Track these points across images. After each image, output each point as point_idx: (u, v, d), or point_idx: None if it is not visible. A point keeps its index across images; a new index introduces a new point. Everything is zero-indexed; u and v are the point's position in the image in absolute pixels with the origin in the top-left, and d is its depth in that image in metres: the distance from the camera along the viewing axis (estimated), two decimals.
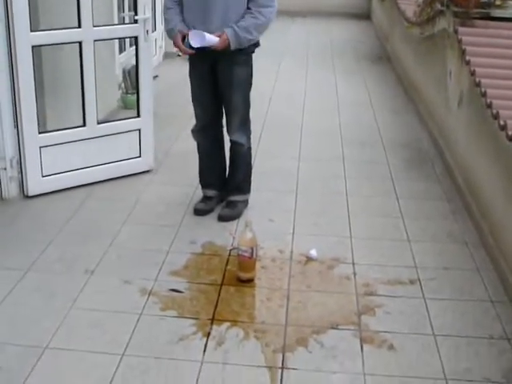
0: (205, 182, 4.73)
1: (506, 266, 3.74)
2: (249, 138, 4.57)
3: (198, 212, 4.60)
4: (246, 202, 4.67)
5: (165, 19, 4.43)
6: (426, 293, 3.67)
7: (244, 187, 4.66)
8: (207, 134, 4.60)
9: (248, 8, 4.11)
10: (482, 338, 3.27)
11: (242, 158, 4.59)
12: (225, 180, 4.75)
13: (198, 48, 4.05)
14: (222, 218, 4.53)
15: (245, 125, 4.51)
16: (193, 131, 4.64)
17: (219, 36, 4.01)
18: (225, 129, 4.59)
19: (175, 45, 4.34)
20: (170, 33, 4.34)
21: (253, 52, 4.34)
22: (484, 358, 3.14)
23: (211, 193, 4.69)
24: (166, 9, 4.32)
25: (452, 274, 3.87)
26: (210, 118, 4.54)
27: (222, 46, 4.04)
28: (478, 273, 3.88)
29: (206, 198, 4.69)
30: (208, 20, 4.10)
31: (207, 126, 4.55)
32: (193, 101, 4.52)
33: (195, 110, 4.54)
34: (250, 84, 4.42)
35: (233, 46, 4.07)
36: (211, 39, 4.00)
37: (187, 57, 4.43)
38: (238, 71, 4.29)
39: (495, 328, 3.36)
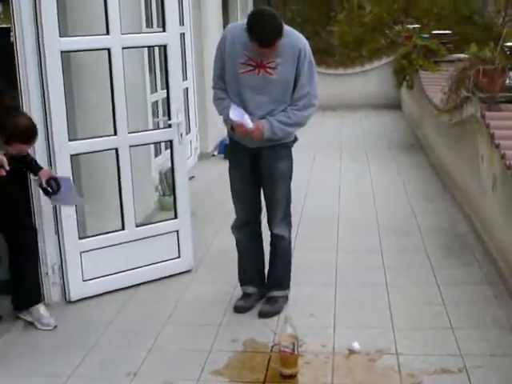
0: (244, 278, 4.70)
1: None
2: (290, 232, 4.57)
3: (238, 310, 4.56)
4: (286, 298, 4.62)
5: (219, 110, 4.39)
6: (474, 381, 3.56)
7: (284, 283, 4.63)
8: (247, 230, 4.60)
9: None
10: None
11: (284, 252, 4.57)
12: (264, 277, 4.72)
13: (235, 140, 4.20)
14: (262, 315, 4.48)
15: (287, 218, 4.52)
16: (232, 227, 4.64)
17: (258, 127, 4.08)
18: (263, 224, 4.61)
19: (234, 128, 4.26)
20: (227, 122, 4.31)
21: (292, 146, 4.41)
22: None
23: (251, 290, 4.66)
24: (218, 99, 4.35)
25: (499, 361, 3.77)
26: (251, 213, 4.55)
27: (256, 133, 4.09)
28: None
29: (245, 295, 4.65)
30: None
31: (247, 221, 4.57)
32: (233, 197, 4.54)
33: (235, 205, 4.56)
34: (291, 177, 4.45)
35: (266, 135, 4.12)
36: (248, 120, 4.05)
37: (223, 155, 4.51)
38: (280, 165, 4.34)
39: None
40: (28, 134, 4.05)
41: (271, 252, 4.61)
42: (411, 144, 10.33)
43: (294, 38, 4.16)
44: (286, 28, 4.11)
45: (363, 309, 4.53)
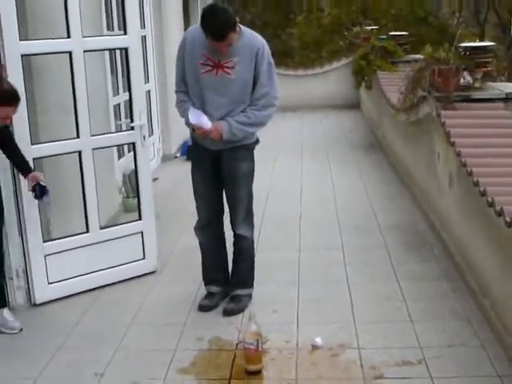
0: (208, 278, 4.73)
1: (510, 341, 3.73)
2: (252, 232, 4.62)
3: (203, 308, 4.59)
4: (249, 296, 4.66)
5: (180, 112, 4.43)
6: (433, 372, 3.64)
7: (248, 281, 4.66)
8: (210, 231, 4.63)
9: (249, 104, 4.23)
10: None
11: (247, 251, 4.61)
12: (228, 275, 4.76)
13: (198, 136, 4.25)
14: (227, 313, 4.52)
15: (249, 218, 4.56)
16: (195, 228, 4.67)
17: (216, 128, 4.12)
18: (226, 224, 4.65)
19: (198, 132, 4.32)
20: (188, 125, 4.36)
21: (254, 148, 4.46)
22: None
23: (215, 289, 4.69)
24: (180, 102, 4.41)
25: (457, 352, 3.85)
26: (213, 214, 4.58)
27: (214, 133, 4.14)
28: (483, 349, 3.87)
29: (210, 295, 4.68)
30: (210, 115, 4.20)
31: (210, 222, 4.59)
32: (195, 198, 4.57)
33: (198, 207, 4.59)
34: (253, 178, 4.50)
35: (225, 136, 4.16)
36: (207, 122, 4.10)
37: (186, 157, 4.53)
38: (241, 166, 4.38)
39: None
40: (11, 95, 3.99)
41: (234, 252, 4.65)
42: (370, 144, 10.43)
43: (251, 38, 4.23)
44: (244, 29, 4.21)
45: (325, 305, 4.59)
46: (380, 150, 9.83)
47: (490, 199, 3.85)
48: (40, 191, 4.23)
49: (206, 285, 4.74)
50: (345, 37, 13.75)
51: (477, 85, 5.51)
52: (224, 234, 4.72)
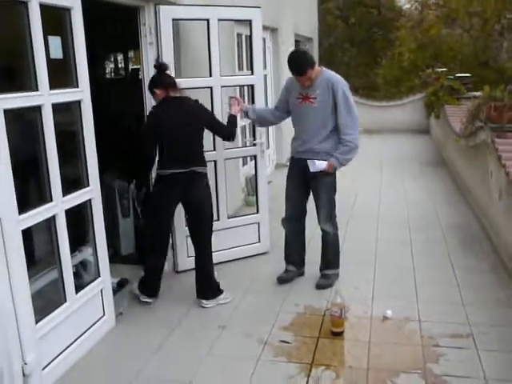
0: (288, 259, 4.73)
1: None
2: (335, 228, 4.55)
3: (281, 280, 4.61)
4: (337, 275, 4.64)
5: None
6: (478, 344, 3.53)
7: (334, 263, 4.64)
8: (292, 224, 4.63)
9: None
10: None
11: (331, 242, 4.57)
12: (302, 259, 4.75)
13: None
14: (318, 287, 4.51)
15: (331, 217, 4.50)
16: (282, 220, 4.69)
17: (329, 165, 4.23)
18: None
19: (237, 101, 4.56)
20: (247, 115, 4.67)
21: None
22: None
23: (291, 268, 4.70)
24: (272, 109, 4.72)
25: (499, 331, 3.71)
26: (296, 212, 4.57)
27: (329, 168, 4.25)
28: None
29: (287, 271, 4.69)
30: (300, 145, 4.36)
31: (293, 218, 4.60)
32: (285, 198, 4.60)
33: (286, 204, 4.60)
34: (335, 188, 4.45)
35: (337, 166, 4.27)
36: (322, 165, 4.21)
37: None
38: (326, 179, 4.37)
39: None
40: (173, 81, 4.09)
41: (322, 242, 4.61)
42: (437, 162, 10.13)
43: (329, 75, 4.26)
44: (325, 69, 4.29)
45: (395, 286, 4.52)
46: (444, 167, 9.54)
47: None
48: None
49: (286, 263, 4.74)
50: (420, 76, 13.40)
51: None
52: (304, 228, 4.69)
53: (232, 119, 4.35)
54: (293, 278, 4.67)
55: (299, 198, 4.53)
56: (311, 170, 4.25)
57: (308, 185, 4.46)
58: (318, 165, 4.22)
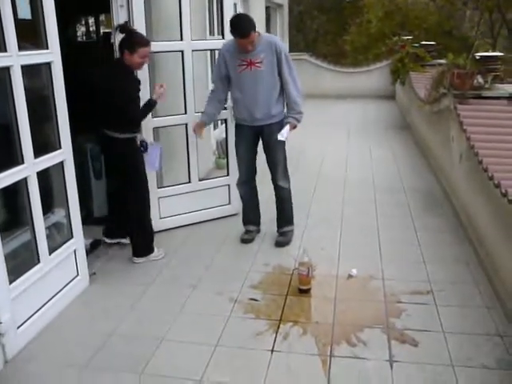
0: (246, 220, 4.75)
1: (497, 281, 3.65)
2: (289, 183, 4.55)
3: (244, 241, 4.64)
4: (292, 231, 4.67)
5: (207, 100, 4.49)
6: (438, 301, 3.61)
7: (290, 220, 4.66)
8: (247, 186, 4.61)
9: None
10: (481, 335, 3.20)
11: (287, 198, 4.57)
12: (259, 218, 4.79)
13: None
14: (278, 244, 4.55)
15: (286, 173, 4.50)
16: (237, 184, 4.66)
17: (291, 126, 4.21)
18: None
19: (194, 127, 4.51)
20: (201, 116, 4.52)
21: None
22: (482, 349, 3.07)
23: (251, 227, 4.73)
24: (212, 92, 4.47)
25: (457, 287, 3.79)
26: (250, 173, 4.56)
27: (292, 129, 4.23)
28: (476, 286, 3.80)
29: (248, 231, 4.71)
30: (253, 113, 4.26)
31: (248, 179, 4.58)
32: (237, 161, 4.55)
33: (240, 167, 4.55)
34: (285, 144, 4.40)
35: (297, 124, 4.25)
36: (287, 131, 4.19)
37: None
38: (277, 135, 4.27)
39: (490, 327, 3.28)
40: (146, 38, 4.02)
41: (277, 200, 4.61)
42: (401, 126, 10.18)
43: (269, 38, 4.25)
44: (264, 33, 4.27)
45: (360, 246, 4.56)
46: (408, 131, 9.59)
47: (490, 174, 3.74)
48: (145, 147, 4.25)
49: (244, 225, 4.75)
50: (386, 44, 13.34)
51: (487, 86, 5.29)
52: (256, 187, 4.68)
53: (150, 102, 4.12)
54: (254, 238, 4.69)
55: (252, 160, 4.51)
56: (283, 139, 4.19)
57: (256, 145, 4.45)
58: (285, 133, 4.19)
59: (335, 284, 3.89)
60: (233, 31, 4.00)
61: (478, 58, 5.63)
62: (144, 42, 3.95)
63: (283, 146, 4.40)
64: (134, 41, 3.90)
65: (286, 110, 4.32)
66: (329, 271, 4.08)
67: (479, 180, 4.20)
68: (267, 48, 4.10)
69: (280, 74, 4.16)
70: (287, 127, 4.20)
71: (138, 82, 4.02)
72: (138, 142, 4.18)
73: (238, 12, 4.36)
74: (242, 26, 3.99)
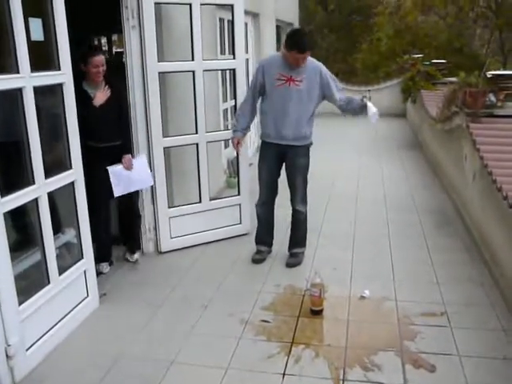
0: (260, 240, 4.71)
1: None
2: (307, 207, 4.52)
3: (255, 261, 4.59)
4: (303, 253, 4.63)
5: (235, 119, 4.54)
6: (453, 323, 3.54)
7: (302, 242, 4.62)
8: (266, 207, 4.58)
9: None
10: (498, 359, 3.12)
11: (302, 221, 4.54)
12: (272, 240, 4.74)
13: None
14: (288, 265, 4.51)
15: (305, 198, 4.48)
16: (256, 205, 4.63)
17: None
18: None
19: (233, 141, 4.49)
20: (233, 136, 4.49)
21: (309, 147, 4.40)
22: (500, 374, 2.99)
23: (263, 248, 4.69)
24: (245, 101, 4.46)
25: (472, 309, 3.72)
26: (271, 195, 4.53)
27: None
28: (492, 307, 3.72)
29: (259, 251, 4.68)
30: (281, 130, 4.25)
31: (268, 201, 4.55)
32: (259, 182, 4.52)
33: (261, 188, 4.52)
34: (308, 169, 4.42)
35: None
36: (374, 111, 4.22)
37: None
38: (301, 160, 4.34)
39: (508, 351, 3.20)
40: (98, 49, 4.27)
41: (293, 222, 4.58)
42: (413, 144, 10.14)
43: (313, 62, 4.24)
44: (312, 58, 4.21)
45: (373, 266, 4.51)
46: (420, 149, 9.55)
47: (504, 194, 3.69)
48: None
49: (257, 244, 4.72)
50: (397, 62, 13.38)
51: (499, 104, 5.27)
52: (274, 210, 4.64)
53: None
54: (266, 258, 4.65)
55: (274, 182, 4.48)
56: (374, 122, 4.26)
57: (280, 167, 4.43)
58: (375, 115, 4.23)
59: (348, 305, 3.83)
60: (294, 44, 4.02)
61: (489, 76, 5.62)
62: (93, 52, 4.15)
63: (306, 171, 4.39)
64: (85, 54, 4.10)
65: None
66: (341, 292, 4.02)
67: (493, 199, 4.15)
68: (311, 70, 4.16)
69: (329, 91, 4.21)
70: (369, 105, 4.20)
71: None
72: None
73: (297, 28, 4.45)
74: (307, 39, 4.09)
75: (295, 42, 4.02)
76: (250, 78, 4.48)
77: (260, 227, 4.71)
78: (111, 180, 4.25)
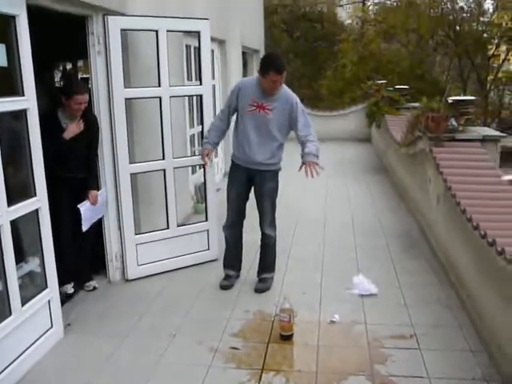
0: (228, 264, 4.67)
1: (480, 324, 3.62)
2: (275, 231, 4.51)
3: (223, 287, 4.55)
4: (272, 278, 4.60)
5: (206, 133, 4.50)
6: (422, 345, 3.56)
7: (272, 267, 4.60)
8: (233, 230, 4.55)
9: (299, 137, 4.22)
10: (467, 380, 3.15)
11: (271, 246, 4.52)
12: (240, 264, 4.71)
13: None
14: (257, 291, 4.47)
15: (273, 222, 4.46)
16: (223, 227, 4.59)
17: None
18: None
19: (203, 153, 4.45)
20: (203, 149, 4.46)
21: (278, 172, 4.41)
22: None
23: (232, 272, 4.65)
24: (215, 121, 4.46)
25: (440, 331, 3.75)
26: (239, 217, 4.51)
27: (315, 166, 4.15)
28: (460, 329, 3.76)
29: (227, 277, 4.63)
30: (250, 155, 4.25)
31: (235, 223, 4.52)
32: (228, 203, 4.49)
33: (229, 210, 4.50)
34: (277, 194, 4.42)
35: (317, 160, 4.19)
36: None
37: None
38: (270, 184, 4.34)
39: (476, 372, 3.23)
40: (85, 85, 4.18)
41: (262, 246, 4.55)
42: (378, 168, 10.28)
43: (287, 92, 4.22)
44: (284, 86, 4.19)
45: (341, 289, 4.50)
46: (385, 173, 9.68)
47: (468, 216, 3.75)
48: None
49: (224, 268, 4.67)
50: (361, 88, 13.63)
51: (460, 128, 5.40)
52: (242, 232, 4.61)
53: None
54: (234, 284, 4.61)
55: (242, 204, 4.47)
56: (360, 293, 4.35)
57: (249, 190, 4.42)
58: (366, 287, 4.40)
59: (317, 330, 3.82)
60: (270, 65, 3.99)
61: (450, 101, 5.75)
62: (80, 90, 4.08)
63: (274, 195, 4.38)
64: (70, 88, 4.09)
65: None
66: (311, 317, 4.01)
67: (457, 221, 4.22)
68: (284, 100, 4.14)
69: (295, 127, 4.18)
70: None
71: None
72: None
73: (271, 51, 4.45)
74: (280, 61, 4.06)
75: (271, 63, 4.01)
76: (218, 103, 4.50)
77: (228, 250, 4.67)
78: (82, 217, 4.21)
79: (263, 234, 4.47)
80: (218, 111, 8.41)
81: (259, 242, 4.57)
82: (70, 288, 4.40)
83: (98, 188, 4.40)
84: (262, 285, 4.52)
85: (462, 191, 4.25)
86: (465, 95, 7.14)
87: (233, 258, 4.67)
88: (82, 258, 4.53)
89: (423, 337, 3.66)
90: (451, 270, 4.52)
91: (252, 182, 4.39)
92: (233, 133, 4.43)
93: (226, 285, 4.57)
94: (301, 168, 4.11)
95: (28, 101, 3.28)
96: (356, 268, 4.97)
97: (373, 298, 4.32)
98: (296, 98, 4.22)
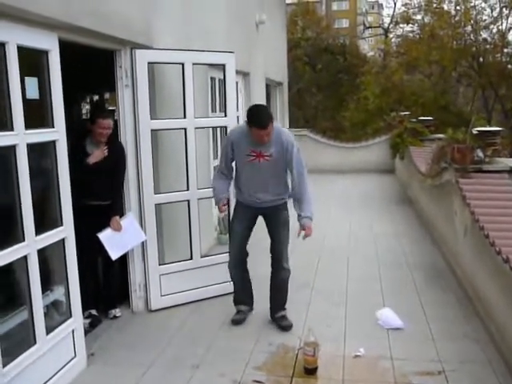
0: (238, 300, 4.60)
1: (511, 359, 3.53)
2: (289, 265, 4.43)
3: (235, 322, 4.47)
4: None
5: (213, 188, 4.39)
6: (450, 382, 3.47)
7: (285, 303, 4.49)
8: (239, 267, 4.48)
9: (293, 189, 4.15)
10: None
11: (286, 280, 4.41)
12: (251, 298, 4.63)
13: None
14: (287, 328, 4.32)
15: (287, 255, 4.37)
16: (229, 266, 4.49)
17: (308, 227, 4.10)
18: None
19: (219, 208, 4.35)
20: (217, 201, 4.34)
21: (288, 202, 4.33)
22: None
23: (243, 308, 4.58)
24: (217, 174, 4.35)
25: (469, 366, 3.65)
26: (242, 255, 4.44)
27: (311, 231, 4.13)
28: (489, 364, 3.66)
29: (239, 312, 4.56)
30: (259, 198, 4.20)
31: (240, 261, 4.46)
32: (231, 242, 4.41)
33: (232, 248, 4.41)
34: (289, 224, 4.32)
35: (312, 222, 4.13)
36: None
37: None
38: (283, 215, 4.28)
39: None
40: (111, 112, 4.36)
41: (276, 283, 4.42)
42: (402, 200, 10.21)
43: (279, 131, 4.09)
44: (277, 126, 4.10)
45: (367, 323, 4.44)
46: (409, 205, 9.59)
47: (497, 249, 3.69)
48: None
49: (235, 305, 4.60)
50: (384, 119, 13.66)
51: (487, 160, 5.35)
52: (248, 270, 4.54)
53: None
54: (246, 318, 4.55)
55: (245, 241, 4.41)
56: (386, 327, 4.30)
57: (253, 227, 4.37)
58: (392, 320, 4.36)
59: (342, 364, 3.75)
60: (252, 121, 3.88)
61: (476, 132, 5.72)
62: (102, 114, 4.29)
63: (287, 226, 4.31)
64: (94, 114, 4.31)
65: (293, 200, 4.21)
66: (335, 350, 3.95)
67: (486, 254, 4.15)
68: (278, 143, 4.02)
69: (290, 168, 4.10)
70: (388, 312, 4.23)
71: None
72: None
73: (256, 104, 4.24)
74: (262, 116, 3.89)
75: (253, 119, 3.88)
76: None
77: (236, 288, 4.60)
78: (104, 245, 4.24)
79: (281, 269, 4.34)
80: None
81: (269, 275, 4.46)
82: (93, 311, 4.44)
83: (121, 214, 4.43)
84: (286, 322, 4.40)
85: (490, 223, 4.19)
86: (490, 126, 7.08)
87: (242, 295, 4.61)
88: (107, 286, 4.55)
89: (452, 373, 3.57)
90: (478, 302, 4.43)
91: (256, 219, 4.33)
92: (233, 182, 4.39)
93: (238, 319, 4.50)
94: (299, 233, 4.11)
95: (58, 132, 3.36)
96: (381, 300, 4.90)
97: (398, 331, 4.25)
98: (289, 139, 4.08)
